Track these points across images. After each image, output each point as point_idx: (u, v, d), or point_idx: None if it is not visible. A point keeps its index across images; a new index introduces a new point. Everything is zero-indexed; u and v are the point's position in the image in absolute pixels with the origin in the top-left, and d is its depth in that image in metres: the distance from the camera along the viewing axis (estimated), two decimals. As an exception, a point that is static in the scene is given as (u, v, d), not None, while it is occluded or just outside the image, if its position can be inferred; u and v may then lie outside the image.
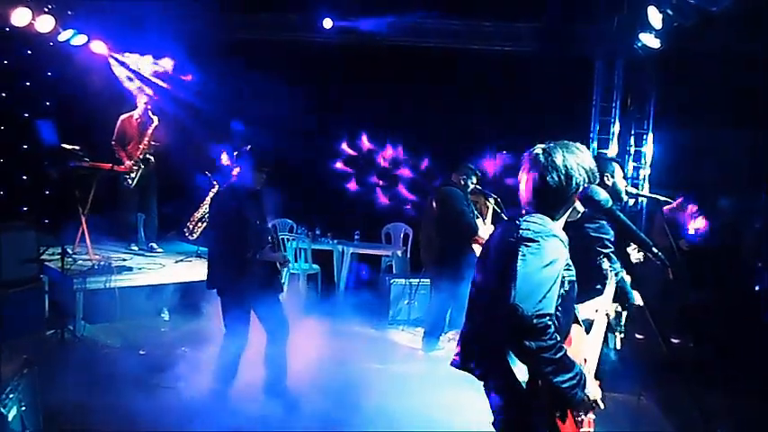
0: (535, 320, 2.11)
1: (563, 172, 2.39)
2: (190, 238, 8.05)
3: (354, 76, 8.99)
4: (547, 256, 2.23)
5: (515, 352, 2.21)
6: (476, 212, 6.34)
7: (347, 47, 8.92)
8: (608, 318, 2.80)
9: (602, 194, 2.29)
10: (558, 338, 2.18)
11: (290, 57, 8.94)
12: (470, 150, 8.16)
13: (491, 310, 2.25)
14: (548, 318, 2.14)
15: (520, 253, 2.23)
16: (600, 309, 2.79)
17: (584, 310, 2.75)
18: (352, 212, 9.71)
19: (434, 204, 6.34)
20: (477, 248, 5.92)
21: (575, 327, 2.53)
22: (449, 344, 6.40)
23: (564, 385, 2.18)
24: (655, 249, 2.19)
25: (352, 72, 9.02)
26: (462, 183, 6.35)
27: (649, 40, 7.25)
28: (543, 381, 2.19)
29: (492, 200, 6.53)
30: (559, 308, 2.32)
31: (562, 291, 2.31)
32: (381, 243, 9.44)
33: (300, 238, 8.50)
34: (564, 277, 2.32)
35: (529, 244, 2.25)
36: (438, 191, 6.42)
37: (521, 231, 2.30)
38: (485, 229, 6.23)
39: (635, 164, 8.79)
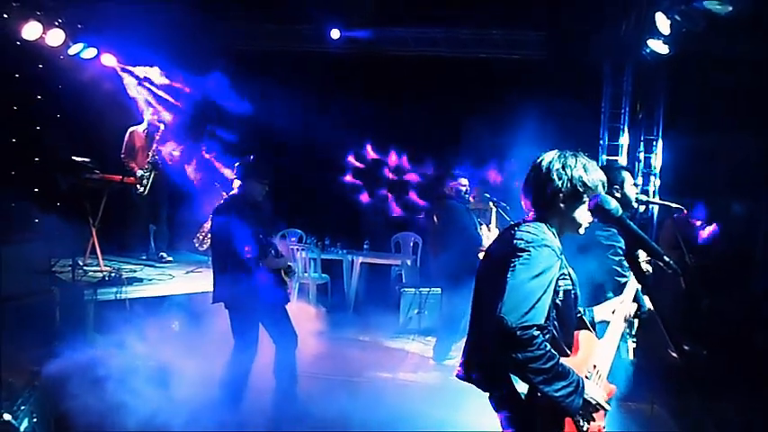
0: (519, 332, 2.10)
1: (567, 181, 2.39)
2: (200, 249, 8.06)
3: (364, 86, 9.01)
4: (537, 266, 2.22)
5: (505, 364, 2.20)
6: (478, 220, 6.30)
7: (355, 57, 8.95)
8: (626, 320, 2.76)
9: (612, 203, 2.28)
10: (548, 348, 2.16)
11: (299, 68, 8.98)
12: (478, 158, 8.14)
13: (488, 321, 2.24)
14: (534, 329, 2.12)
15: (511, 264, 2.23)
16: (618, 310, 2.74)
17: (600, 312, 2.73)
18: (362, 222, 9.70)
19: (435, 218, 6.30)
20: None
21: (584, 333, 2.50)
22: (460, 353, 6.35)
23: (557, 394, 2.16)
24: (666, 258, 2.16)
25: (362, 82, 9.05)
26: (458, 192, 6.29)
27: (658, 46, 7.23)
28: (538, 391, 2.17)
29: (495, 206, 6.48)
30: (555, 317, 2.31)
31: (557, 300, 2.31)
32: (391, 252, 9.44)
33: (310, 247, 8.50)
34: (560, 287, 2.31)
35: (520, 254, 2.25)
36: (437, 205, 6.38)
37: (514, 241, 2.30)
38: (490, 234, 6.19)
39: (645, 170, 8.76)
